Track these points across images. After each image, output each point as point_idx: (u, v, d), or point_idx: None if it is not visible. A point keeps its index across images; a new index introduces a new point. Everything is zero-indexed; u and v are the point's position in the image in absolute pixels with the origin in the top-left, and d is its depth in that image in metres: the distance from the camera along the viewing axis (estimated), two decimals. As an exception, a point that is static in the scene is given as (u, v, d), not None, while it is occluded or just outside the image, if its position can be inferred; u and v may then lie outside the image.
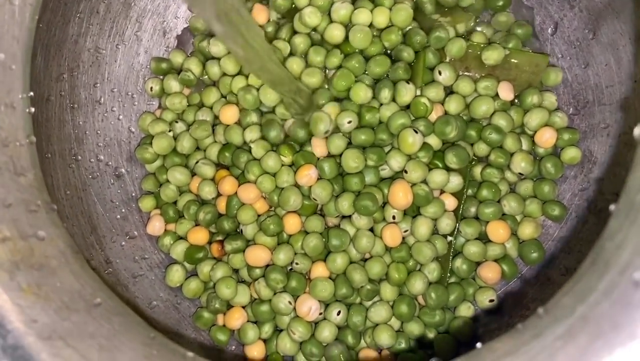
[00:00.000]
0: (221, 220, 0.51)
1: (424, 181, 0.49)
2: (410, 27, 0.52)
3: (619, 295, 0.25)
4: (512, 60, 0.52)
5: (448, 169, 0.49)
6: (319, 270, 0.49)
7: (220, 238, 0.52)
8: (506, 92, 0.51)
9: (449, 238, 0.49)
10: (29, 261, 0.31)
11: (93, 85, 0.53)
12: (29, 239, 0.32)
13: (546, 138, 0.51)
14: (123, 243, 0.53)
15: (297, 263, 0.49)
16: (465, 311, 0.49)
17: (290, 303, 0.48)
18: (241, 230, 0.52)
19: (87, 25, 0.51)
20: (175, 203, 0.54)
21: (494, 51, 0.51)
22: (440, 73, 0.51)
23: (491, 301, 0.49)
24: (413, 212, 0.49)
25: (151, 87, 0.56)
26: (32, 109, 0.36)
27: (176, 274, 0.52)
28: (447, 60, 0.52)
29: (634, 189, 0.28)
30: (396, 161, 0.48)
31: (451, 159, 0.49)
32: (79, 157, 0.51)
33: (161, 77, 0.57)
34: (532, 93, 0.52)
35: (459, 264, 0.49)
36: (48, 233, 0.33)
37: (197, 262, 0.51)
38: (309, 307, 0.48)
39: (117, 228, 0.53)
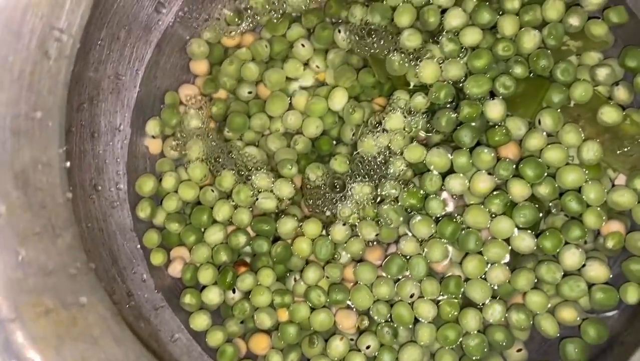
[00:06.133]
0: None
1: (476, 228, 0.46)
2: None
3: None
4: (626, 130, 0.45)
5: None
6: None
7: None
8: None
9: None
10: (73, 333, 0.30)
11: (113, 112, 0.52)
12: (71, 308, 0.31)
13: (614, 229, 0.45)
14: (144, 273, 0.52)
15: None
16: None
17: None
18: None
19: (107, 52, 0.50)
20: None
21: (613, 109, 0.44)
22: (539, 121, 0.45)
23: (519, 351, 0.47)
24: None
25: (152, 136, 0.54)
26: (68, 164, 0.35)
27: (199, 320, 0.50)
28: (571, 105, 0.46)
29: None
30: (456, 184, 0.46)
31: (518, 217, 0.45)
32: (99, 187, 0.50)
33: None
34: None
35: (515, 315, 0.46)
36: (89, 298, 0.32)
37: (232, 285, 0.49)
38: (355, 318, 0.48)
39: (138, 258, 0.52)
